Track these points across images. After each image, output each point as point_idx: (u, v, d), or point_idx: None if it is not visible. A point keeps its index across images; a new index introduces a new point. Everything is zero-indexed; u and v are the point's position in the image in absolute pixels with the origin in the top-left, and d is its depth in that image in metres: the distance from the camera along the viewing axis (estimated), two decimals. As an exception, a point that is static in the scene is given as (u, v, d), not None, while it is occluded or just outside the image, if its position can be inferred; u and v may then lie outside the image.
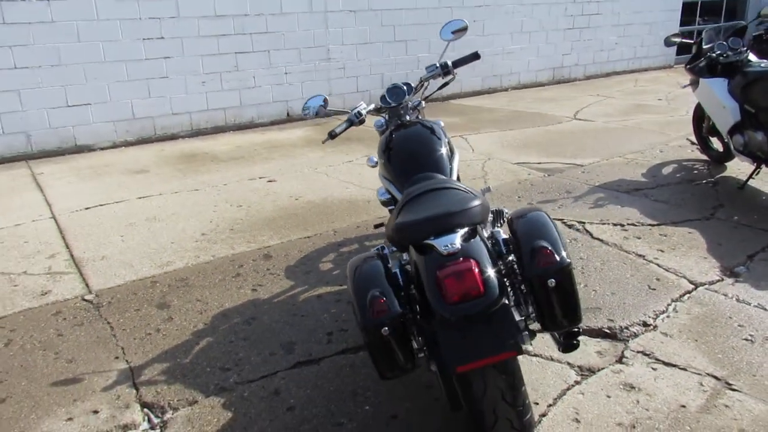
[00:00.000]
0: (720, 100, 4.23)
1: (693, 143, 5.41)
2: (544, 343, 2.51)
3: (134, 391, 2.31)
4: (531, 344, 2.01)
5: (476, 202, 1.81)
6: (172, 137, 6.76)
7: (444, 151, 2.48)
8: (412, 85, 2.75)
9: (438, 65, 2.79)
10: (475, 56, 2.77)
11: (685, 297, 2.86)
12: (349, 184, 4.79)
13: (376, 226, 3.05)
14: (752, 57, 4.26)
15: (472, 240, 1.75)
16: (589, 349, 2.47)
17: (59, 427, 2.12)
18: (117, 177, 5.28)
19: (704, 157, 5.08)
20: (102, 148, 6.40)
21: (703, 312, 2.72)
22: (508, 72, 9.37)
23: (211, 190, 4.78)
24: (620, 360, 2.39)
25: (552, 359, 2.41)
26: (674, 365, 2.34)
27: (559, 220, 3.85)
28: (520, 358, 2.37)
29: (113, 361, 2.51)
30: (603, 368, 2.34)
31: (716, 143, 4.85)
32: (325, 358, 2.46)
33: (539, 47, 9.60)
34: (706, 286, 2.96)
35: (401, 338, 1.67)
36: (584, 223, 3.79)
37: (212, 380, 2.35)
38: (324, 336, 2.63)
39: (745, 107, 4.08)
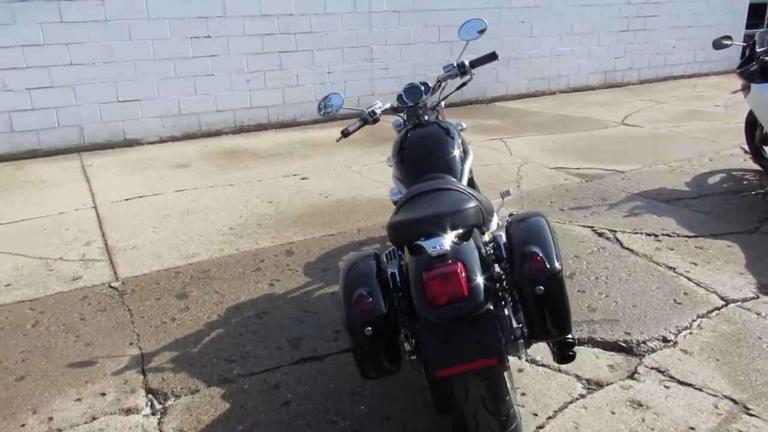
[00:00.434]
0: (772, 107, 4.01)
1: (746, 152, 5.15)
2: (550, 353, 2.43)
3: (142, 376, 2.38)
4: (526, 353, 1.96)
5: (471, 204, 1.77)
6: (217, 133, 6.93)
7: (456, 152, 2.44)
8: (430, 84, 2.72)
9: (455, 65, 2.75)
10: (493, 56, 2.72)
11: (713, 313, 2.72)
12: (381, 183, 4.79)
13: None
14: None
15: (465, 243, 1.71)
16: (600, 362, 2.38)
17: (67, 407, 2.20)
18: (159, 170, 5.46)
19: (756, 167, 4.82)
20: (149, 143, 6.63)
21: (730, 330, 2.58)
22: (556, 75, 9.16)
23: (246, 186, 4.87)
24: (632, 376, 2.29)
25: (559, 370, 2.34)
26: (689, 384, 2.23)
27: (589, 227, 3.73)
28: (526, 366, 2.33)
29: (127, 346, 2.59)
30: (612, 383, 2.25)
31: (769, 152, 4.61)
32: (329, 356, 2.47)
33: (591, 50, 9.35)
34: (738, 303, 2.81)
35: (386, 339, 1.65)
36: (615, 231, 3.66)
37: (216, 371, 2.39)
38: (331, 334, 2.63)
39: None
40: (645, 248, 3.40)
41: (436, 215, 1.70)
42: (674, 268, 3.15)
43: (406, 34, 7.77)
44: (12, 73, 5.82)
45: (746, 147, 5.03)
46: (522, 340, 1.78)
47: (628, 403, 2.13)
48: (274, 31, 6.96)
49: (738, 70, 4.47)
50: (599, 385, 2.25)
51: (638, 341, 2.50)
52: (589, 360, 2.40)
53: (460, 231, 1.73)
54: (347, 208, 4.25)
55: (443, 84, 2.82)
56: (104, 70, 6.23)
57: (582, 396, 2.19)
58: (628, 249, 3.41)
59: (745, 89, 4.41)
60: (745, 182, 4.58)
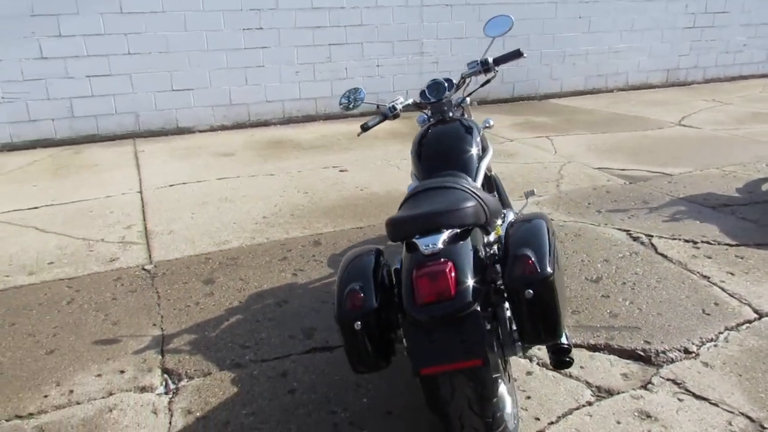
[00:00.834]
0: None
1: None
2: (566, 357, 2.38)
3: (160, 356, 2.48)
4: (523, 355, 1.93)
5: (469, 203, 1.75)
6: (265, 124, 7.08)
7: (474, 150, 2.42)
8: (454, 81, 2.69)
9: (479, 62, 2.71)
10: (518, 54, 2.66)
11: (743, 327, 2.59)
12: (417, 178, 4.78)
13: None
14: None
15: (461, 242, 1.70)
16: (614, 370, 2.32)
17: (88, 382, 2.32)
18: (205, 158, 5.63)
19: (817, 175, 4.54)
20: (200, 131, 6.84)
21: (758, 345, 2.45)
22: (614, 72, 8.86)
23: (285, 176, 4.96)
24: (645, 386, 2.22)
25: (570, 376, 2.29)
26: (705, 399, 2.14)
27: (624, 231, 3.62)
28: (535, 370, 2.29)
29: (151, 327, 2.71)
30: (623, 392, 2.19)
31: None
32: (339, 347, 2.50)
33: (652, 46, 8.99)
34: (774, 316, 2.67)
35: (375, 334, 1.66)
36: (652, 236, 3.53)
37: (230, 355, 2.47)
38: (345, 326, 2.66)
39: None
40: (680, 255, 3.27)
41: (431, 213, 1.69)
42: (708, 277, 3.01)
43: (458, 28, 7.69)
44: (74, 61, 6.12)
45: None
46: (519, 343, 1.75)
47: (636, 414, 2.06)
48: (324, 23, 7.03)
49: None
50: (609, 393, 2.19)
51: (657, 351, 2.41)
52: (602, 367, 2.34)
53: (457, 230, 1.71)
54: (380, 202, 4.27)
55: (467, 81, 2.78)
56: (160, 59, 6.46)
57: (589, 403, 2.13)
58: (662, 255, 3.28)
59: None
60: (803, 190, 4.32)
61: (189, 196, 4.50)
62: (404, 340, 1.67)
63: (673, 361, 2.36)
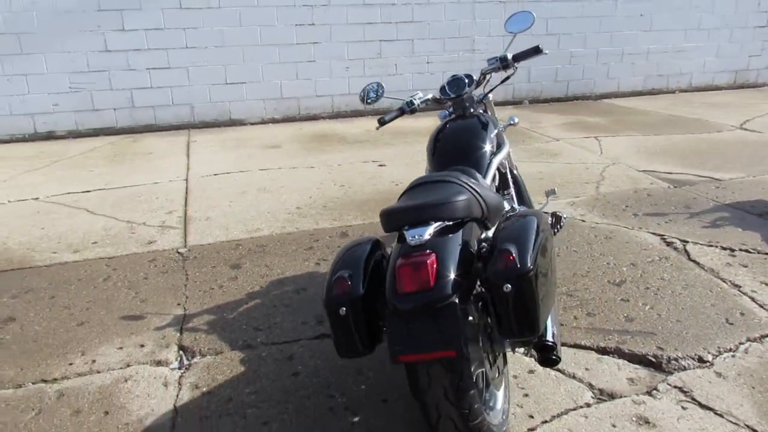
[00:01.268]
0: None
1: None
2: (572, 359, 2.36)
3: (179, 334, 2.61)
4: (513, 350, 1.93)
5: (461, 197, 1.76)
6: (314, 118, 7.23)
7: (487, 147, 2.42)
8: (474, 77, 2.69)
9: (498, 58, 2.70)
10: (537, 50, 2.64)
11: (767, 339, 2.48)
12: (454, 175, 4.78)
13: None
14: None
15: (450, 235, 1.71)
16: (620, 374, 2.27)
17: (110, 353, 2.48)
18: (252, 150, 5.81)
19: None
20: (252, 123, 7.06)
21: (781, 358, 2.35)
22: (676, 72, 8.52)
23: (325, 169, 5.07)
24: (650, 392, 2.16)
25: (574, 377, 2.26)
26: (710, 409, 2.07)
27: (658, 235, 3.51)
28: (538, 368, 2.28)
29: (175, 306, 2.85)
30: (625, 396, 2.14)
31: None
32: (347, 335, 2.55)
33: (720, 46, 8.58)
34: (806, 330, 2.54)
35: (361, 321, 1.70)
36: (687, 242, 3.40)
37: (243, 337, 2.57)
38: (357, 315, 2.72)
39: None
40: (714, 262, 3.14)
41: (420, 205, 1.72)
42: (740, 287, 2.89)
43: (510, 25, 7.58)
44: (135, 54, 6.45)
45: None
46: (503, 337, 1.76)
47: (633, 419, 2.02)
48: (375, 20, 7.11)
49: None
50: (611, 396, 2.15)
51: (669, 358, 2.35)
52: (609, 370, 2.30)
53: (447, 223, 1.73)
54: (413, 197, 4.30)
55: (488, 77, 2.77)
56: (215, 53, 6.71)
57: (587, 405, 2.11)
58: (694, 261, 3.17)
59: None
60: None
61: (230, 185, 4.67)
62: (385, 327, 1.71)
63: (684, 369, 2.29)
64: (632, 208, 4.00)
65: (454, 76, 2.70)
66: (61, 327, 2.69)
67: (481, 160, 2.36)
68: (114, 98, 6.56)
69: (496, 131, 2.55)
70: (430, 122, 6.87)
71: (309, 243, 3.54)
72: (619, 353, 2.40)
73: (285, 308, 2.80)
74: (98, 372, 2.35)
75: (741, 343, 2.44)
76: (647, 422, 2.01)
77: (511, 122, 2.98)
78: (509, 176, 2.79)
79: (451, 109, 2.78)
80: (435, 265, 1.59)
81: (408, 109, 2.64)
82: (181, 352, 2.49)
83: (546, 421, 2.03)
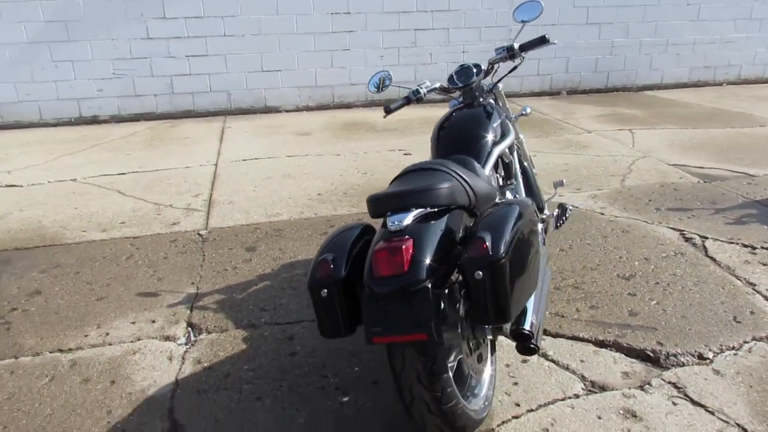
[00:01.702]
0: None
1: None
2: (568, 350, 2.36)
3: (188, 312, 2.72)
4: (494, 337, 1.94)
5: (444, 185, 1.79)
6: (348, 106, 7.29)
7: (489, 136, 2.43)
8: (483, 67, 2.69)
9: (505, 48, 2.69)
10: (544, 40, 2.61)
11: (776, 338, 2.41)
12: (477, 165, 4.77)
13: None
14: None
15: (433, 221, 1.74)
16: (615, 368, 2.26)
17: (123, 327, 2.61)
18: (283, 136, 5.93)
19: None
20: (287, 111, 7.18)
21: (787, 359, 2.28)
22: (724, 64, 8.20)
23: (351, 157, 5.13)
24: (642, 386, 2.15)
25: (567, 368, 2.26)
26: (702, 405, 2.04)
27: (678, 230, 3.43)
28: (533, 358, 2.29)
29: (188, 285, 2.97)
30: (616, 389, 2.13)
31: None
32: (348, 319, 2.61)
33: (772, 37, 8.21)
34: (819, 332, 2.46)
35: (342, 303, 1.74)
36: (706, 238, 3.32)
37: (248, 316, 2.66)
38: (360, 299, 2.77)
39: None
40: (732, 259, 3.06)
41: (402, 192, 1.75)
42: (754, 285, 2.81)
43: (549, 14, 7.45)
44: (175, 42, 6.64)
45: None
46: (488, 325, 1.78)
47: (620, 412, 2.02)
48: (411, 8, 7.10)
49: None
50: (602, 389, 2.14)
51: (668, 353, 2.32)
52: (604, 363, 2.29)
53: (428, 210, 1.76)
54: (433, 186, 4.32)
55: (495, 67, 2.76)
56: (252, 41, 6.84)
57: (576, 396, 2.11)
58: (710, 258, 3.09)
59: None
60: None
61: (257, 171, 4.79)
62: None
63: (682, 365, 2.26)
64: (655, 202, 3.91)
65: (462, 65, 2.70)
66: (82, 301, 2.85)
67: (481, 150, 2.37)
68: (155, 84, 6.78)
69: (499, 121, 2.55)
70: (461, 112, 6.83)
71: (324, 228, 3.61)
72: (616, 347, 2.38)
73: (292, 290, 2.88)
74: (110, 344, 2.49)
75: (745, 342, 2.38)
76: (634, 416, 2.00)
77: (523, 112, 2.97)
78: (517, 167, 2.78)
79: (461, 99, 2.79)
80: (411, 251, 1.62)
81: (414, 97, 2.66)
82: (189, 328, 2.60)
83: (531, 410, 2.04)
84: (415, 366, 1.64)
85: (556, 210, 2.91)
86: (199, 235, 3.58)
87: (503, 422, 1.98)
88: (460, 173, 1.94)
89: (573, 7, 7.50)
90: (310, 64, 7.08)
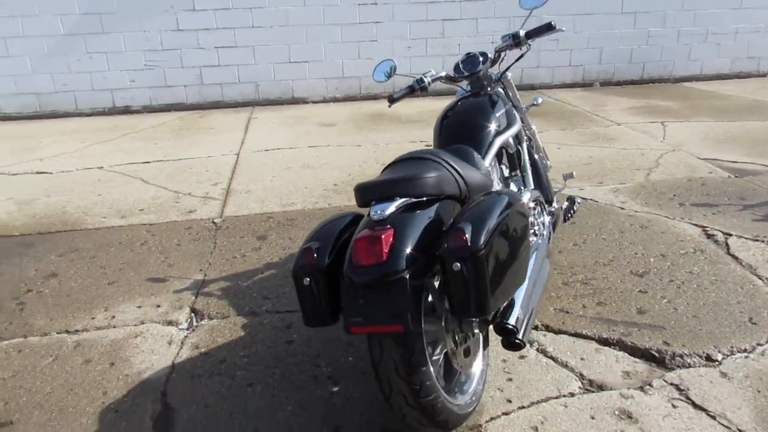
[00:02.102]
0: None
1: None
2: (569, 347, 2.29)
3: (193, 298, 2.76)
4: (480, 331, 1.89)
5: (430, 174, 1.75)
6: (374, 97, 7.26)
7: (492, 126, 2.38)
8: (489, 55, 2.62)
9: (510, 35, 2.61)
10: (550, 27, 2.52)
11: (793, 341, 2.30)
12: (498, 157, 4.69)
13: None
14: None
15: (418, 211, 1.71)
16: (616, 367, 2.18)
17: (129, 311, 2.66)
18: (308, 127, 5.95)
19: None
20: (314, 102, 7.20)
21: (802, 363, 2.17)
22: (769, 54, 7.85)
23: (371, 148, 5.11)
24: (642, 387, 2.07)
25: (566, 366, 2.20)
26: (703, 409, 1.95)
27: (700, 227, 3.30)
28: (531, 354, 2.24)
29: (197, 272, 3.01)
30: (615, 389, 2.06)
31: None
32: (349, 309, 2.60)
33: (822, 26, 7.81)
34: (842, 336, 2.33)
35: (325, 291, 1.73)
36: (730, 235, 3.18)
37: (250, 304, 2.68)
38: (363, 290, 2.76)
39: None
40: (754, 258, 2.93)
41: (385, 181, 1.73)
42: (775, 285, 2.68)
43: (581, 3, 7.26)
44: (204, 33, 6.73)
45: None
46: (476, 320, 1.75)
47: (616, 412, 1.95)
48: (439, -2, 7.02)
49: None
50: (600, 388, 2.08)
51: (674, 354, 2.23)
52: (605, 362, 2.22)
53: (413, 200, 1.73)
54: (451, 178, 4.26)
55: (502, 55, 2.69)
56: (280, 32, 6.88)
57: (571, 394, 2.05)
58: (732, 256, 2.96)
59: None
60: None
61: (277, 161, 4.82)
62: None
63: (688, 366, 2.17)
64: (680, 197, 3.77)
65: (468, 53, 2.64)
66: (94, 285, 2.91)
67: (482, 140, 2.32)
68: (185, 75, 6.89)
69: (504, 110, 2.49)
70: (488, 103, 6.73)
71: (336, 219, 3.60)
72: (620, 345, 2.30)
73: (297, 280, 2.88)
74: (114, 327, 2.54)
75: (759, 344, 2.28)
76: (629, 417, 1.93)
77: (534, 103, 2.90)
78: (526, 158, 2.71)
79: (468, 88, 2.73)
80: (390, 240, 1.60)
81: (418, 86, 2.62)
82: (192, 314, 2.63)
83: (523, 407, 1.99)
84: (393, 357, 1.62)
85: (565, 203, 2.83)
86: (214, 223, 3.63)
87: (492, 418, 1.94)
88: (451, 163, 1.90)
89: (608, -4, 7.29)
90: (337, 56, 7.08)
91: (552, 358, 2.25)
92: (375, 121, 6.11)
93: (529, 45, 2.61)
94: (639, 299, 2.60)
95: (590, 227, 3.34)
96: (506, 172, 2.60)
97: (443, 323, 1.75)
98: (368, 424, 1.93)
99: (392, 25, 7.03)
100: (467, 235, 1.56)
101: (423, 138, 5.36)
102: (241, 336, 2.44)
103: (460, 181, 1.87)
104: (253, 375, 2.19)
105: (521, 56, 2.69)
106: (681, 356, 2.22)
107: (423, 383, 1.63)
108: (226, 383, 2.15)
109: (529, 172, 2.72)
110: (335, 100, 7.24)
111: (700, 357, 2.21)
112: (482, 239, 1.56)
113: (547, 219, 2.62)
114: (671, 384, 2.08)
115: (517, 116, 2.61)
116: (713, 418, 1.92)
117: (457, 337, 1.82)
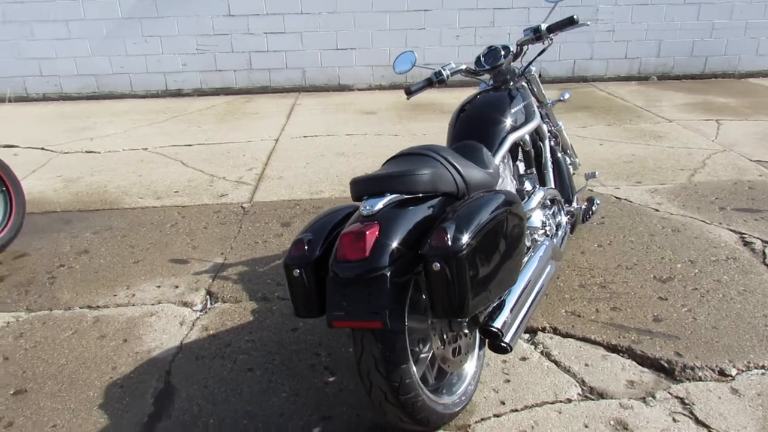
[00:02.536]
0: None
1: None
2: (574, 352, 2.24)
3: (211, 281, 2.83)
4: (470, 330, 1.86)
5: (423, 171, 1.73)
6: (420, 86, 7.19)
7: (506, 122, 2.33)
8: (511, 49, 2.56)
9: (531, 29, 2.54)
10: (572, 21, 2.43)
11: (819, 361, 2.16)
12: (536, 152, 4.58)
13: None
14: None
15: (409, 208, 1.70)
16: (621, 375, 2.11)
17: (148, 290, 2.77)
18: (349, 115, 5.97)
19: None
20: (359, 89, 7.22)
21: (825, 384, 2.04)
22: None
23: (407, 137, 5.09)
24: (645, 398, 2.00)
25: (568, 371, 2.14)
26: (706, 426, 1.87)
27: (738, 233, 3.13)
28: (534, 357, 2.20)
29: (218, 255, 3.09)
30: (615, 399, 2.00)
31: None
32: (357, 300, 2.62)
33: None
34: None
35: (314, 283, 1.74)
36: (769, 243, 3.01)
37: (264, 289, 2.73)
38: (375, 282, 2.77)
39: None
40: (791, 269, 2.76)
41: (377, 176, 1.72)
42: (810, 299, 2.52)
43: (641, -8, 6.96)
44: (254, 19, 6.83)
45: None
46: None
47: (611, 423, 1.89)
48: (490, -14, 6.87)
49: None
50: (600, 396, 2.02)
51: (685, 365, 2.14)
52: (610, 369, 2.15)
53: (405, 196, 1.71)
54: (483, 172, 4.20)
55: (524, 49, 2.62)
56: (328, 19, 6.91)
57: (568, 401, 2.00)
58: (767, 266, 2.80)
59: None
60: None
61: (313, 148, 4.87)
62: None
63: (698, 379, 2.08)
64: (722, 200, 3.59)
65: (490, 46, 2.59)
66: (120, 263, 3.04)
67: (494, 136, 2.27)
68: (234, 60, 7.03)
69: (521, 106, 2.43)
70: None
71: (361, 208, 3.62)
72: (629, 353, 2.23)
73: (312, 268, 2.92)
74: (133, 305, 2.65)
75: (779, 362, 2.15)
76: (625, 428, 1.87)
77: (561, 98, 2.81)
78: (548, 156, 2.64)
79: (491, 82, 2.68)
80: (375, 236, 1.60)
81: (436, 80, 2.59)
82: (207, 296, 2.71)
83: (515, 410, 1.96)
84: (373, 353, 1.62)
85: (584, 203, 2.75)
86: (242, 207, 3.71)
87: (482, 419, 1.92)
88: (450, 159, 1.87)
89: (670, -15, 6.95)
90: (384, 43, 7.05)
91: (555, 362, 2.20)
92: (416, 111, 6.07)
93: (551, 39, 2.54)
94: (657, 306, 2.50)
95: (619, 228, 3.22)
96: (522, 169, 2.54)
97: (429, 322, 1.74)
98: (358, 418, 1.95)
99: (441, 13, 6.94)
100: (449, 235, 1.54)
101: (462, 129, 5.28)
102: (250, 321, 2.50)
103: (458, 178, 1.85)
104: (254, 360, 2.24)
105: (543, 51, 2.61)
106: (692, 368, 2.13)
107: (403, 380, 1.63)
108: (228, 366, 2.21)
109: (550, 169, 2.65)
110: (381, 88, 7.23)
111: (713, 370, 2.11)
112: (464, 240, 1.53)
113: (564, 219, 2.55)
114: (676, 397, 2.00)
115: (537, 112, 2.54)
116: (715, 436, 1.83)
117: (445, 336, 1.81)
